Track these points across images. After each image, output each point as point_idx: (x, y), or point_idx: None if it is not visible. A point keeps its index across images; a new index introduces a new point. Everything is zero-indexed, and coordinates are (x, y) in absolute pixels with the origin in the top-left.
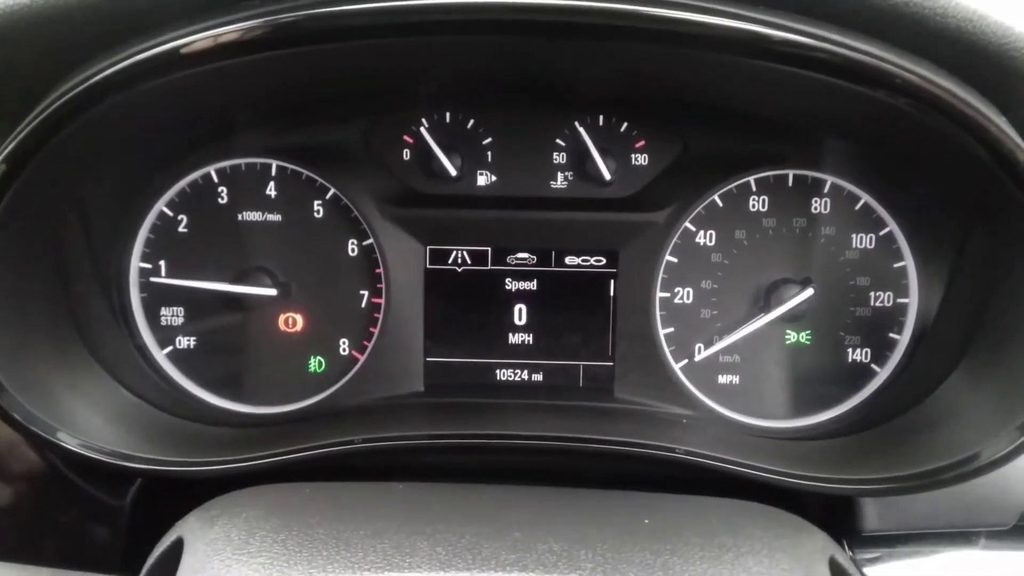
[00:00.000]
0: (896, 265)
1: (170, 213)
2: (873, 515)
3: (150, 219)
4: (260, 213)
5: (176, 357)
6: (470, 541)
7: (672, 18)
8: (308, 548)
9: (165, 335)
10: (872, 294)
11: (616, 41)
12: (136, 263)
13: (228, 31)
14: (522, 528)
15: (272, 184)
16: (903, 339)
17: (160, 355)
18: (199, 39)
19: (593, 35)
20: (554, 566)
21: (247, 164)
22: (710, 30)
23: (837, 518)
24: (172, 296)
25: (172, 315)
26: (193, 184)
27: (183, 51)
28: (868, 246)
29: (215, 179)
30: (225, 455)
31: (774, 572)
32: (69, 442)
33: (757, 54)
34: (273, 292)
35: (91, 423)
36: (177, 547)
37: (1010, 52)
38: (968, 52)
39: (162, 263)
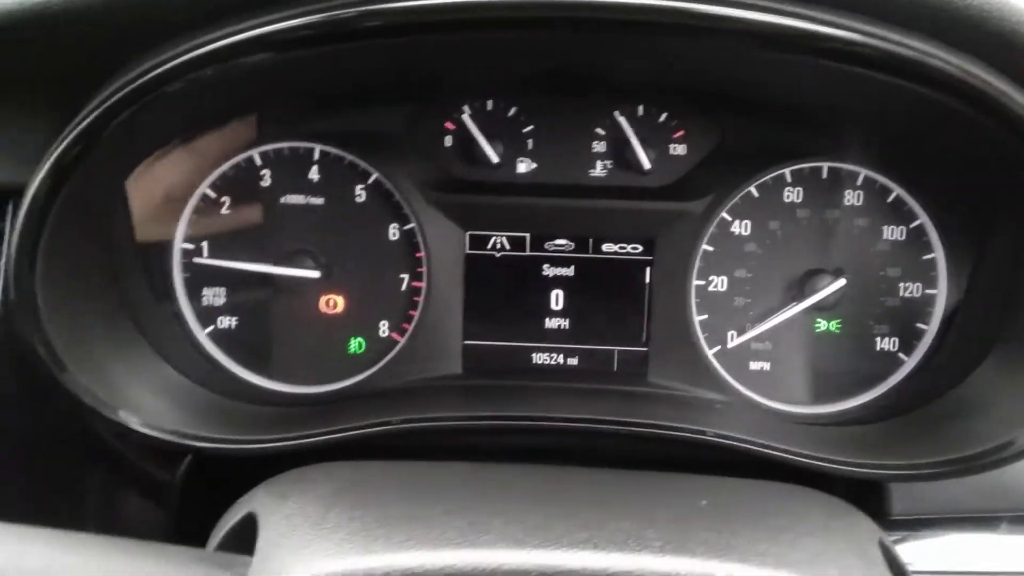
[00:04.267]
0: (925, 257)
1: (213, 195)
2: (898, 499)
3: (193, 200)
4: (303, 196)
5: (218, 336)
6: (541, 519)
7: (719, 15)
8: (386, 525)
9: (207, 315)
10: (902, 285)
11: (661, 36)
12: (179, 244)
13: (286, 27)
14: (588, 508)
15: (315, 168)
16: (931, 329)
17: (202, 335)
18: (264, 32)
19: (641, 31)
20: (624, 543)
21: (290, 148)
22: (756, 27)
23: (862, 501)
24: (214, 276)
25: (214, 295)
26: (236, 166)
27: (254, 41)
28: (899, 238)
29: (258, 162)
30: (268, 433)
31: (830, 551)
32: (131, 421)
33: (806, 51)
34: (316, 274)
35: (145, 402)
36: (248, 521)
37: None
38: (1019, 51)
39: (204, 244)
